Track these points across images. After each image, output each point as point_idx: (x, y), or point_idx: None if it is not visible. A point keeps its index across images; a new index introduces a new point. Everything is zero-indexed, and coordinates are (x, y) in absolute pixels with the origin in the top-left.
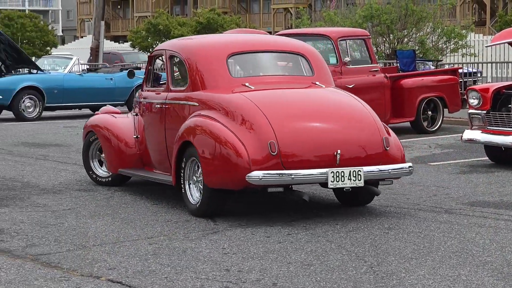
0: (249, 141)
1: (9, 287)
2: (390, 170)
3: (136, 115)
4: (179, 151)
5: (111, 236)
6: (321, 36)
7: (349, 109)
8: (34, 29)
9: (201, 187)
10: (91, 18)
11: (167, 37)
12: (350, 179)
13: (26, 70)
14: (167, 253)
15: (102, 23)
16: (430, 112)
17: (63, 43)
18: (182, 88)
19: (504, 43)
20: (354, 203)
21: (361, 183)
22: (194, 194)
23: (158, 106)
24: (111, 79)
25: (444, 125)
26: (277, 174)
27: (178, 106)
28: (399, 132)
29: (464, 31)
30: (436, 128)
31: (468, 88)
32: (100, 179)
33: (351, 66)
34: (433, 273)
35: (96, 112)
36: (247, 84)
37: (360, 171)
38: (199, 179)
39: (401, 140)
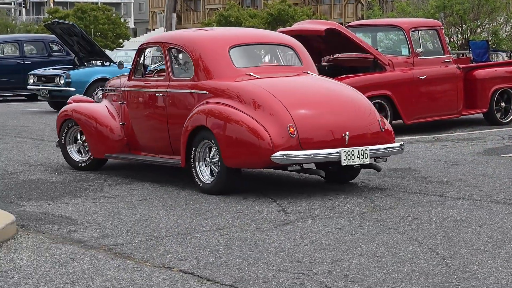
0: (269, 125)
1: (82, 277)
2: (388, 148)
3: (122, 103)
4: (189, 135)
5: (183, 227)
6: (393, 27)
7: (348, 94)
8: (106, 22)
9: (215, 168)
10: (163, 11)
11: None
12: (359, 157)
13: (99, 63)
14: (238, 244)
15: (174, 15)
16: (503, 103)
17: (135, 35)
18: (187, 78)
19: None
20: (339, 180)
21: (367, 160)
22: (205, 174)
23: (159, 94)
24: None
25: None
26: (298, 154)
27: (183, 94)
28: (472, 123)
29: None
30: (509, 119)
31: None
32: (77, 164)
33: (423, 57)
34: (507, 265)
35: (68, 101)
36: (251, 73)
37: (367, 149)
38: (213, 160)
39: (474, 132)
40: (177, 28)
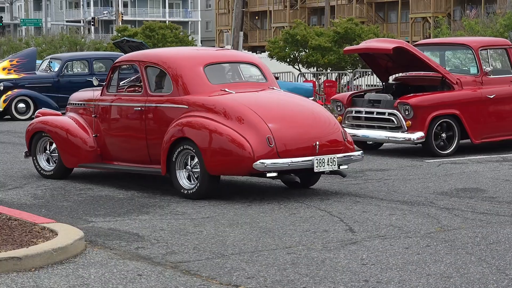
0: (249, 135)
1: None
2: (351, 156)
3: (95, 116)
4: (170, 145)
5: (250, 245)
6: (462, 46)
7: (313, 107)
8: (174, 40)
9: (198, 175)
10: (230, 29)
11: (304, 47)
12: (329, 164)
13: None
14: (305, 262)
15: (241, 33)
16: None
17: None
18: (166, 93)
19: None
20: (300, 185)
21: (335, 167)
22: (185, 181)
23: (137, 108)
24: None
25: None
26: (277, 162)
27: (162, 108)
28: None
29: None
30: None
31: None
32: (44, 172)
33: (492, 76)
34: None
35: (36, 115)
36: (226, 89)
37: (335, 157)
38: (194, 168)
39: None
40: (243, 47)
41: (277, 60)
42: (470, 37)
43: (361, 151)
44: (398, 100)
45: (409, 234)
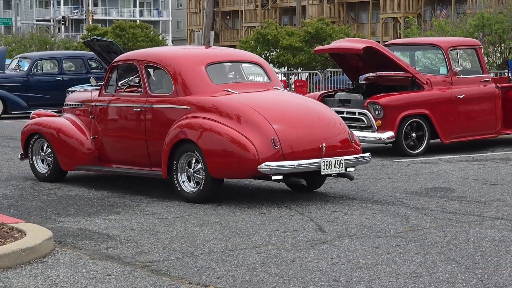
0: (254, 137)
1: None
2: (359, 158)
3: (93, 117)
4: (172, 147)
5: (219, 245)
6: (432, 46)
7: (319, 108)
8: (145, 39)
9: (201, 177)
10: (201, 29)
11: (275, 47)
12: (335, 166)
13: (136, 79)
14: (275, 262)
15: (212, 33)
16: None
17: None
18: (167, 94)
19: None
20: (305, 188)
21: (343, 170)
22: (187, 184)
23: (137, 109)
24: None
25: None
26: (283, 164)
27: (163, 109)
28: (510, 143)
29: None
30: None
31: None
32: (40, 175)
33: (461, 76)
34: None
35: (32, 116)
36: (229, 89)
37: (342, 160)
38: (196, 171)
39: None
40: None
41: None
42: (440, 37)
43: (369, 153)
44: (368, 100)
45: (379, 234)
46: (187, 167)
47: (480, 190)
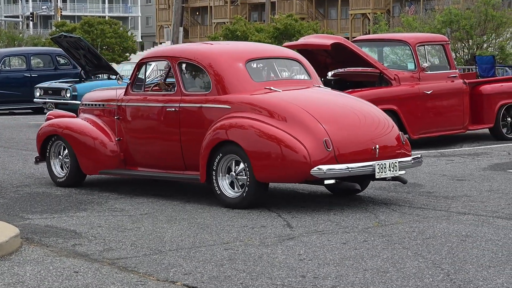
0: (304, 139)
1: None
2: (411, 161)
3: (118, 118)
4: (211, 150)
5: (187, 241)
6: (400, 42)
7: (368, 107)
8: (113, 35)
9: (244, 182)
10: (170, 25)
11: None
12: (390, 169)
13: (105, 76)
14: (242, 258)
15: (181, 29)
16: (509, 119)
17: (142, 49)
18: (204, 93)
19: None
20: (346, 192)
21: (397, 173)
22: (228, 188)
23: (171, 109)
24: None
25: None
26: (336, 168)
27: (201, 109)
28: (478, 138)
29: None
30: None
31: None
32: (57, 179)
33: (429, 72)
34: None
35: (48, 117)
36: (271, 87)
37: (396, 162)
38: (239, 175)
39: (479, 147)
40: (183, 42)
41: None
42: (408, 33)
43: (420, 154)
44: None
45: (346, 229)
46: (227, 170)
47: (447, 186)
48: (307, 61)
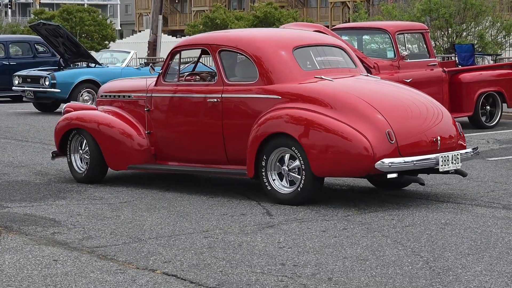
0: (366, 131)
1: (65, 278)
2: (471, 153)
3: (147, 110)
4: (261, 143)
5: (167, 229)
6: (379, 30)
7: (424, 97)
8: (92, 23)
9: (298, 176)
10: (149, 13)
11: None
12: (453, 162)
13: (84, 64)
14: (222, 246)
15: (160, 17)
16: (488, 107)
17: (121, 37)
18: (249, 82)
19: None
20: (391, 186)
21: (459, 166)
22: (278, 183)
23: (212, 100)
24: None
25: (503, 120)
26: (401, 161)
27: (246, 99)
28: None
29: None
30: (494, 123)
31: None
32: (77, 175)
33: (408, 60)
34: (490, 269)
35: (66, 109)
36: (322, 76)
37: (458, 154)
38: (293, 169)
39: None
40: (163, 31)
41: None
42: (387, 22)
43: (477, 146)
44: None
45: (326, 217)
46: (278, 164)
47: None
48: (350, 49)
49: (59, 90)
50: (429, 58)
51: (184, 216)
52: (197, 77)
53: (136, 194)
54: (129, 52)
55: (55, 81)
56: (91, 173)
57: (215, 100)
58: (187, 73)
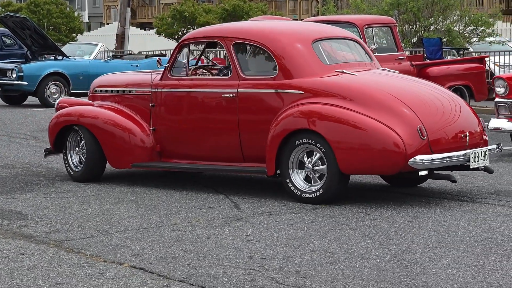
0: (397, 126)
1: (32, 272)
2: (496, 149)
3: (153, 105)
4: (282, 139)
5: (135, 223)
6: (347, 24)
7: (449, 93)
8: (60, 16)
9: (323, 174)
10: (117, 5)
11: (192, 24)
12: (482, 158)
13: (51, 57)
14: (190, 240)
15: (128, 9)
16: None
17: (89, 29)
18: (268, 77)
19: None
20: (405, 183)
21: (487, 162)
22: (300, 181)
23: (227, 95)
24: (137, 65)
25: None
26: (433, 158)
27: (265, 94)
28: None
29: (491, 19)
30: None
31: (494, 76)
32: (73, 173)
33: (377, 54)
34: (458, 262)
35: (60, 105)
36: (344, 70)
37: (486, 151)
38: (317, 166)
39: None
40: (131, 23)
41: (165, 37)
42: (356, 15)
43: (500, 142)
44: None
45: (294, 210)
46: (300, 162)
47: None
48: (363, 42)
49: (26, 83)
50: (397, 52)
51: (152, 209)
52: (204, 71)
53: (104, 188)
54: (96, 45)
55: (22, 74)
56: (88, 171)
57: (231, 95)
58: (196, 67)
